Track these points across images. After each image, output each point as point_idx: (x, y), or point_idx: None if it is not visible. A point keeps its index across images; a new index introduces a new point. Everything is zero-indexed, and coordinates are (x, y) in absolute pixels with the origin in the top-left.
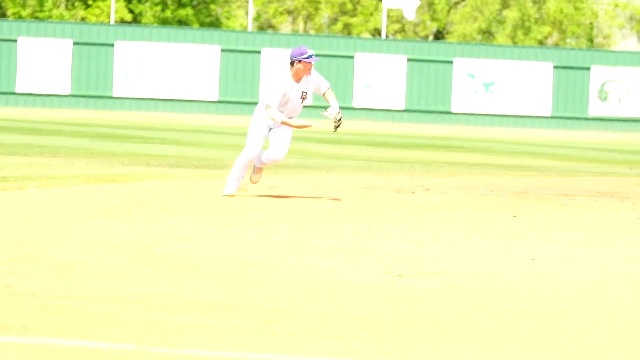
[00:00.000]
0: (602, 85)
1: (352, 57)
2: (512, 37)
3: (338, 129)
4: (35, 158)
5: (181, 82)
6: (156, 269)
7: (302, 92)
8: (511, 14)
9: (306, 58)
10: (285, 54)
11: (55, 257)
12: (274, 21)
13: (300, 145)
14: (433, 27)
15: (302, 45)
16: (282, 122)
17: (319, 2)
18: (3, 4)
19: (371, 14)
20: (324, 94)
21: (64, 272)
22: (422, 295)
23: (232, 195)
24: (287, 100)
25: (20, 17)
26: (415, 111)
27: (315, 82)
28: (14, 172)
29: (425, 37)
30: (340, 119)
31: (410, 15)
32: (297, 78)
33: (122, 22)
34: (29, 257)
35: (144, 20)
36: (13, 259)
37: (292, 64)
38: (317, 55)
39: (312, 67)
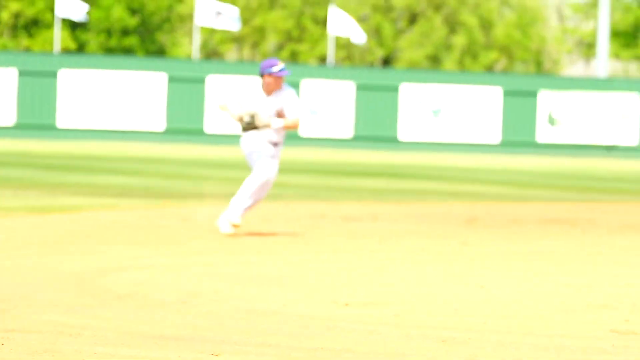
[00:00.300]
0: (551, 111)
1: (297, 83)
2: (460, 63)
3: (245, 129)
4: None
5: (127, 111)
6: (101, 300)
7: (276, 110)
8: (459, 40)
9: (277, 72)
10: (231, 81)
11: None
12: (220, 48)
13: (246, 173)
14: (380, 53)
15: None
16: (230, 114)
17: (265, 30)
18: None
19: (317, 41)
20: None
21: (6, 304)
22: (369, 324)
23: (238, 226)
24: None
25: None
26: (363, 138)
27: (288, 102)
28: None
29: (372, 64)
30: (253, 124)
31: (359, 39)
32: (268, 92)
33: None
34: None
35: (88, 48)
36: None
37: (262, 76)
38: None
39: (283, 81)
